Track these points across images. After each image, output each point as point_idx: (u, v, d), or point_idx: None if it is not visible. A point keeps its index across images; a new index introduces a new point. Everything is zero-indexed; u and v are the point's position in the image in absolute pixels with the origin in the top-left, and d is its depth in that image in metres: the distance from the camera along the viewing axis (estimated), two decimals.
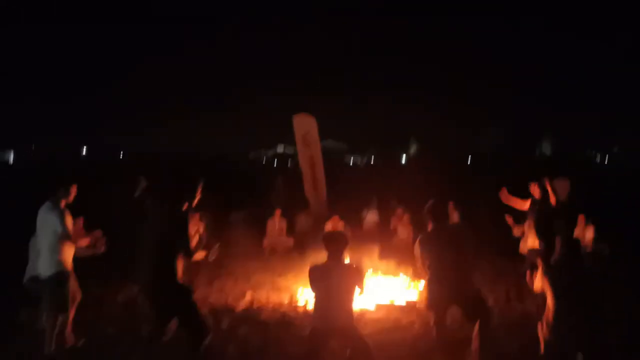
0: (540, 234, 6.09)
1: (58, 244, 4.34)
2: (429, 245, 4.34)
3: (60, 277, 4.38)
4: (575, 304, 3.82)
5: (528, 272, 6.03)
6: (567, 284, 3.86)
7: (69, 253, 4.45)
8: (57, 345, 4.61)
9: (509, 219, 6.95)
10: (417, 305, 6.32)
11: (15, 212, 7.26)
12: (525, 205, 6.62)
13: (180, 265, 3.93)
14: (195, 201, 4.21)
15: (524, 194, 6.70)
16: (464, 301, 4.28)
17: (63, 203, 4.45)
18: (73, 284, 4.79)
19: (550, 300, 3.89)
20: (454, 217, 9.23)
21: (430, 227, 4.44)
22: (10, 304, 5.69)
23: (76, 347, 4.70)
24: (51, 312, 4.45)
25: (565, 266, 3.96)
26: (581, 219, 7.80)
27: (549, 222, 5.90)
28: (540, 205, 6.25)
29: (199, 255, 4.12)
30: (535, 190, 6.46)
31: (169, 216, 3.97)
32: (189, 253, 3.99)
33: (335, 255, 4.00)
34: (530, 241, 6.33)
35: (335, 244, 4.04)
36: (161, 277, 3.87)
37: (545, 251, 5.56)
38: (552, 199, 6.10)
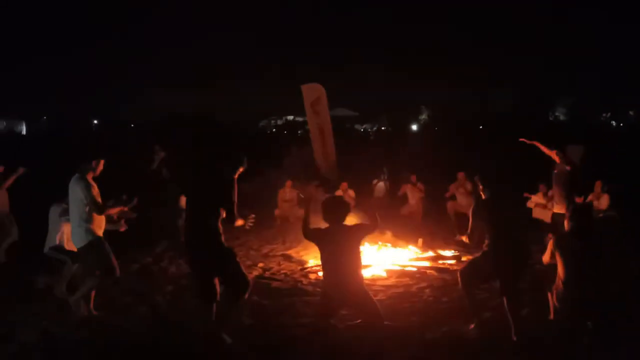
0: (567, 198, 6.19)
1: (87, 215, 4.48)
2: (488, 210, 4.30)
3: (93, 244, 4.53)
4: (585, 271, 3.80)
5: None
6: (577, 250, 3.83)
7: (98, 223, 4.59)
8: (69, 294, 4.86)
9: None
10: (428, 272, 6.40)
11: (30, 182, 7.34)
12: (550, 152, 6.51)
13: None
14: (239, 172, 4.21)
15: (539, 160, 6.74)
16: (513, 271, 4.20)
17: (90, 175, 4.57)
18: None
19: (560, 268, 3.87)
20: (467, 186, 9.23)
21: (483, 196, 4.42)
22: (29, 271, 5.87)
23: (93, 316, 4.82)
24: (93, 277, 4.63)
25: (576, 232, 3.92)
26: (598, 185, 7.77)
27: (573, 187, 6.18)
28: (564, 171, 6.28)
29: (239, 222, 4.16)
30: (555, 156, 6.41)
31: (215, 182, 4.07)
32: (232, 219, 4.08)
33: (336, 220, 4.04)
34: (557, 207, 6.37)
35: (335, 210, 4.07)
36: (210, 240, 3.97)
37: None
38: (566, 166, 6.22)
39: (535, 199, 8.85)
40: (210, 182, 4.09)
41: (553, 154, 6.43)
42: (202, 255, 4.00)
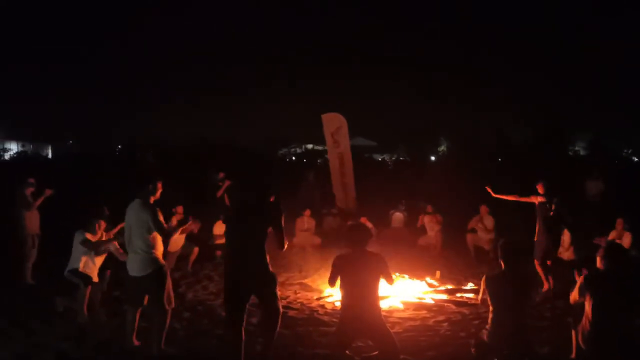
0: (548, 230, 6.81)
1: (152, 241, 4.34)
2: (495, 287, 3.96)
3: (160, 274, 4.38)
4: (616, 314, 3.65)
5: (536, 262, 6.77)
6: (610, 292, 3.68)
7: (161, 249, 4.49)
8: (89, 317, 4.95)
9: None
10: (446, 305, 6.33)
11: (55, 205, 7.53)
12: (513, 197, 7.30)
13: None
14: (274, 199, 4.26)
15: (555, 193, 6.84)
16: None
17: (152, 200, 4.47)
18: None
19: (589, 308, 3.72)
20: (488, 222, 9.17)
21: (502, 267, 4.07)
22: (51, 294, 5.98)
23: (109, 323, 4.91)
24: (163, 310, 4.45)
25: (610, 273, 3.78)
26: (619, 223, 7.64)
27: (556, 220, 6.83)
28: (546, 204, 6.88)
29: (286, 245, 4.19)
30: (540, 188, 6.95)
31: (264, 209, 4.08)
32: (281, 243, 4.10)
33: (358, 246, 4.06)
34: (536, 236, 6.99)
35: (358, 235, 4.10)
36: (257, 262, 4.00)
37: (548, 246, 6.79)
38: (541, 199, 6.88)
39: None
40: (259, 205, 4.10)
41: (531, 199, 7.00)
42: (245, 276, 3.99)
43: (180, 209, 8.37)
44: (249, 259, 3.99)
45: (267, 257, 4.05)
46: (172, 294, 4.49)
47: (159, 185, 4.54)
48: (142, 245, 4.32)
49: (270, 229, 4.05)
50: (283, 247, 4.14)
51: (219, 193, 9.82)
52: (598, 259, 3.91)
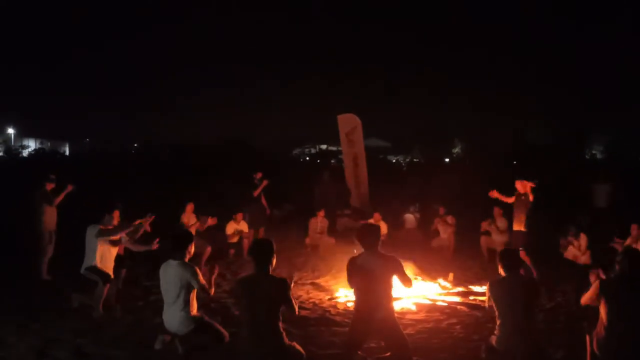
0: (528, 226, 7.56)
1: (191, 299, 4.24)
2: (500, 293, 3.91)
3: (199, 325, 4.26)
4: (633, 321, 3.56)
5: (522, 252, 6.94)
6: (627, 299, 3.61)
7: (194, 304, 4.35)
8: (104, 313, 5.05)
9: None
10: (458, 307, 6.29)
11: (71, 202, 7.63)
12: (510, 199, 7.97)
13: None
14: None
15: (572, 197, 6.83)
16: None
17: (188, 257, 4.33)
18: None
19: (604, 314, 3.65)
20: (501, 224, 9.10)
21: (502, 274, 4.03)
22: (68, 289, 6.08)
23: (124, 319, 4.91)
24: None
25: (627, 280, 3.69)
26: (634, 228, 7.54)
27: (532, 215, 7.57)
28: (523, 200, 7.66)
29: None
30: (519, 186, 7.75)
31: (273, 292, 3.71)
32: (293, 313, 3.87)
33: (370, 246, 4.05)
34: (515, 225, 7.80)
35: (368, 236, 4.09)
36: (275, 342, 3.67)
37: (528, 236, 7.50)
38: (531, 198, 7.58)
39: (568, 244, 8.64)
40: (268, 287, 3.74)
41: (526, 186, 7.68)
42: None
43: (190, 206, 8.52)
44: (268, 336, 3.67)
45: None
46: (219, 328, 4.36)
47: (192, 245, 4.41)
48: (181, 303, 4.18)
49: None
50: (294, 316, 3.96)
51: (256, 192, 9.95)
52: (616, 264, 3.82)
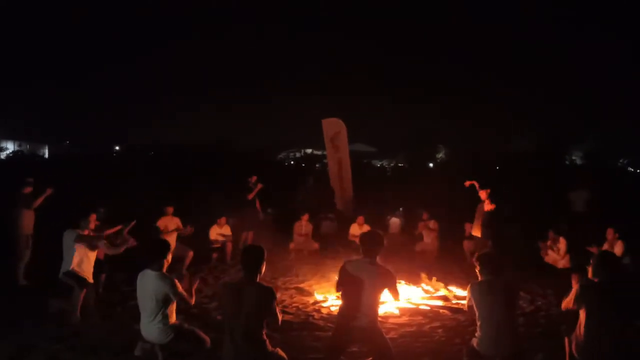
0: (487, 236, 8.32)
1: (169, 310, 4.15)
2: (480, 295, 3.91)
3: (178, 333, 4.19)
4: (610, 324, 3.62)
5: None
6: (605, 302, 3.65)
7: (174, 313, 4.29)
8: (82, 318, 4.93)
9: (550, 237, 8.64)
10: (441, 311, 6.31)
11: (49, 205, 7.49)
12: (483, 195, 8.45)
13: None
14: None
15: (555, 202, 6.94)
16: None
17: (166, 266, 4.24)
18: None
19: (583, 318, 3.70)
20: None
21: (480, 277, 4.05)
22: (45, 295, 5.96)
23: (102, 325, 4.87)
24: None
25: (601, 284, 3.74)
26: (609, 232, 7.65)
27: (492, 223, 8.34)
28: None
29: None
30: (482, 195, 8.41)
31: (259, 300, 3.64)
32: (277, 323, 3.83)
33: (370, 254, 3.99)
34: (474, 231, 8.60)
35: (372, 243, 4.03)
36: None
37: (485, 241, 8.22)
38: (487, 207, 8.32)
39: (547, 248, 8.74)
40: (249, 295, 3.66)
41: (482, 193, 8.36)
42: None
43: (170, 209, 8.40)
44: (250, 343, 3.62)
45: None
46: (200, 334, 4.30)
47: (170, 253, 4.31)
48: (159, 315, 4.10)
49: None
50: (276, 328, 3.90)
51: (250, 196, 9.97)
52: (589, 269, 3.89)
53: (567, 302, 3.90)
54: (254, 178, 10.19)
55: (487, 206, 8.33)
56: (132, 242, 5.88)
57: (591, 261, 3.93)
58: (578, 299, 3.74)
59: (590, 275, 3.89)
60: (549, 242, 8.65)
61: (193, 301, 4.34)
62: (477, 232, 8.52)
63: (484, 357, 3.83)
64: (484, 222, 8.38)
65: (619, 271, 3.86)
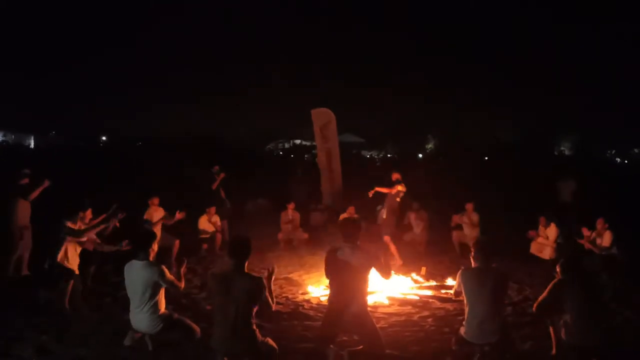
0: (393, 212, 8.63)
1: (158, 299, 4.15)
2: (471, 282, 3.97)
3: (169, 322, 4.21)
4: (588, 315, 3.84)
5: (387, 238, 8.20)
6: (577, 296, 3.89)
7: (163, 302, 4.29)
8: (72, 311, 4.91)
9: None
10: (430, 301, 6.36)
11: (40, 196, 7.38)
12: (391, 190, 8.57)
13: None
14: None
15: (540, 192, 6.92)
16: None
17: (152, 255, 4.24)
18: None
19: (570, 304, 3.92)
20: (474, 218, 9.24)
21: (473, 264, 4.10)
22: (33, 286, 5.90)
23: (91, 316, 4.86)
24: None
25: (573, 279, 3.98)
26: (599, 222, 7.73)
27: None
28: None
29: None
30: (395, 176, 8.67)
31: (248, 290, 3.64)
32: (270, 310, 3.85)
33: (350, 239, 4.03)
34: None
35: (351, 228, 4.07)
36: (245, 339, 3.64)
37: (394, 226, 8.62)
38: (392, 190, 8.51)
39: (535, 235, 8.82)
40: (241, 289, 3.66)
41: (393, 190, 8.49)
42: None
43: (156, 200, 8.29)
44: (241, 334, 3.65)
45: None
46: (190, 324, 4.32)
47: (156, 242, 4.31)
48: (150, 305, 4.11)
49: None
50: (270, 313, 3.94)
51: (214, 185, 9.95)
52: (558, 270, 4.15)
53: (544, 300, 4.09)
54: (216, 167, 10.15)
55: (392, 190, 8.51)
56: (124, 246, 5.82)
57: (559, 264, 4.19)
58: (561, 290, 3.96)
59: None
60: (540, 228, 8.68)
61: (183, 285, 4.35)
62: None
63: (471, 344, 3.88)
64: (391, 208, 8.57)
65: (582, 270, 4.15)
